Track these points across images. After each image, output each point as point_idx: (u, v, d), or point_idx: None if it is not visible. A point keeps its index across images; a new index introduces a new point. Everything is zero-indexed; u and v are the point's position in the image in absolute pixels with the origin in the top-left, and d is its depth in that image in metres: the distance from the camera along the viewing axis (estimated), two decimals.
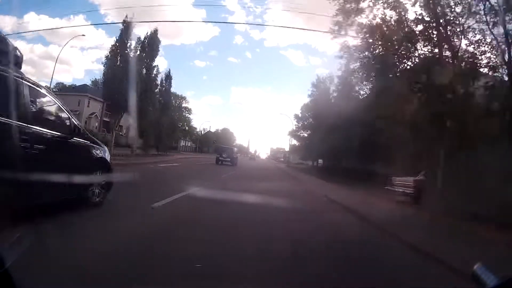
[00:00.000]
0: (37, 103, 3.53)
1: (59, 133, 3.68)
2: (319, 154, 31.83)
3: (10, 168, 2.72)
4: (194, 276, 2.55)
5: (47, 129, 3.49)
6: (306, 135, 37.72)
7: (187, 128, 63.78)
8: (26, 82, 3.23)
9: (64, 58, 78.93)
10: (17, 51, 3.45)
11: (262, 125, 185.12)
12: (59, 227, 3.29)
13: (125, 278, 2.34)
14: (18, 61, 3.39)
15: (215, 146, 68.48)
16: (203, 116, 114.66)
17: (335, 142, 26.18)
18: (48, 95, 3.87)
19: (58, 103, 3.94)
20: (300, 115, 38.18)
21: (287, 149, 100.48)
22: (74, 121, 4.06)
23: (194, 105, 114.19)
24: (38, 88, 3.55)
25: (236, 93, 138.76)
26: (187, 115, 64.64)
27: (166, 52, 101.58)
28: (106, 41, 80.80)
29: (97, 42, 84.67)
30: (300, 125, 38.51)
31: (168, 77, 28.25)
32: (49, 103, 3.84)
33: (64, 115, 3.97)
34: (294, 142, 44.40)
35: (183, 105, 64.65)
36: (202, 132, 76.03)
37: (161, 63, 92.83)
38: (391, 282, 3.01)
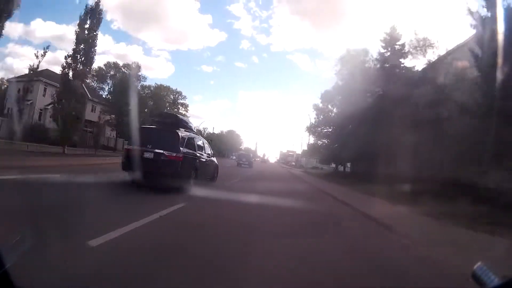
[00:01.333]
0: (205, 146, 9.43)
1: (208, 156, 9.61)
2: (351, 155, 22.38)
3: (203, 168, 8.59)
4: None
5: (206, 154, 9.25)
6: (329, 130, 28.40)
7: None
8: (203, 139, 10.08)
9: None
10: (194, 127, 9.70)
11: (270, 128, 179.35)
12: (208, 186, 9.06)
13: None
14: (193, 130, 9.20)
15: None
16: (212, 120, 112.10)
17: (381, 138, 17.10)
18: (206, 142, 9.98)
19: (209, 144, 10.40)
20: (320, 104, 28.91)
21: (299, 151, 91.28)
22: (211, 150, 10.51)
23: (202, 110, 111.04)
24: (205, 141, 10.09)
25: (244, 97, 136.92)
26: (183, 111, 55.97)
27: (173, 57, 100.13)
28: (113, 47, 79.98)
29: (103, 47, 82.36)
30: (321, 118, 29.23)
31: (93, 12, 17.29)
32: (206, 145, 9.83)
33: (209, 148, 10.18)
34: (312, 140, 34.93)
35: (180, 101, 56.20)
36: (203, 133, 67.36)
37: (168, 68, 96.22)
38: None
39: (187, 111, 56.11)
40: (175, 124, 7.81)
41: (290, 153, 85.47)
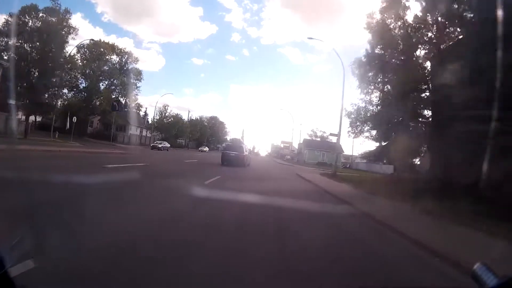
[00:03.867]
0: (245, 148, 20.44)
1: (246, 154, 20.27)
2: None
3: (248, 159, 21.34)
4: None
5: (245, 153, 19.42)
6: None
7: (124, 100, 37.41)
8: (246, 145, 23.67)
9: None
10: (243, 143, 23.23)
11: (260, 121, 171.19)
12: (246, 168, 17.94)
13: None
14: (243, 143, 22.73)
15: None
16: (203, 113, 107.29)
17: None
18: (246, 145, 22.95)
19: (246, 147, 22.76)
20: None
21: (295, 145, 75.31)
22: (247, 149, 22.23)
23: (193, 103, 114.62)
24: (246, 145, 23.72)
25: (234, 90, 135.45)
26: (135, 81, 38.42)
27: (163, 50, 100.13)
28: (104, 39, 68.65)
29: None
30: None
31: None
32: (246, 147, 22.01)
33: (247, 149, 22.44)
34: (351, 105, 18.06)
35: (130, 66, 38.49)
36: (166, 118, 49.37)
37: (158, 61, 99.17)
38: None
39: (139, 80, 38.52)
40: (239, 142, 21.67)
41: (285, 144, 68.62)
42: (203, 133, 63.31)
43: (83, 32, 76.18)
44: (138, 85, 38.34)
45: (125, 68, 38.31)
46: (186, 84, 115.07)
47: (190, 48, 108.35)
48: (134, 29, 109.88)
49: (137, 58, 39.08)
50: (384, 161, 20.33)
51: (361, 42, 45.71)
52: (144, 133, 47.88)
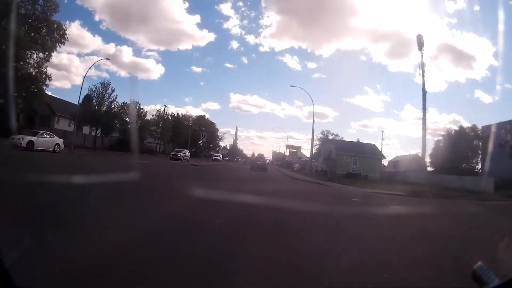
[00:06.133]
0: (265, 160, 41.43)
1: (266, 163, 38.22)
2: None
3: (267, 166, 35.49)
4: None
5: (266, 163, 37.94)
6: None
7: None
8: (266, 158, 47.24)
9: (62, 64, 72.45)
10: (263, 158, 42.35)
11: (259, 129, 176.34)
12: (263, 172, 25.91)
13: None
14: (264, 157, 47.88)
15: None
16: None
17: None
18: (266, 158, 48.42)
19: (266, 159, 45.85)
20: None
21: (306, 151, 60.08)
22: (266, 161, 45.00)
23: (192, 111, 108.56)
24: (266, 158, 45.78)
25: (234, 98, 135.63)
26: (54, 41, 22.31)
27: (162, 58, 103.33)
28: (102, 48, 77.57)
29: (93, 48, 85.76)
30: None
31: None
32: (266, 159, 44.15)
33: (266, 161, 43.63)
34: None
35: (62, 29, 22.29)
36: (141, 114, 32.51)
37: (158, 69, 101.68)
38: None
39: (62, 41, 22.38)
40: (262, 156, 40.95)
41: (292, 150, 53.05)
42: (179, 134, 47.23)
43: (82, 40, 74.44)
44: (58, 46, 22.15)
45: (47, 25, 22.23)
46: (185, 92, 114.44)
47: (189, 56, 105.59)
48: (132, 37, 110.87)
49: (58, 9, 22.52)
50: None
51: (358, 47, 34.85)
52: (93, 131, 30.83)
